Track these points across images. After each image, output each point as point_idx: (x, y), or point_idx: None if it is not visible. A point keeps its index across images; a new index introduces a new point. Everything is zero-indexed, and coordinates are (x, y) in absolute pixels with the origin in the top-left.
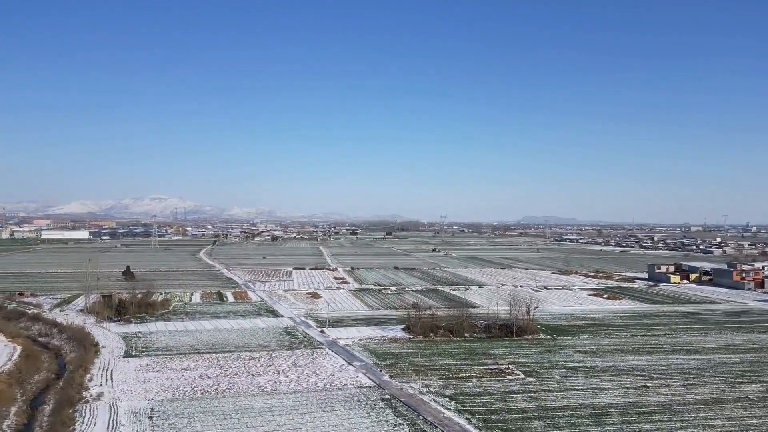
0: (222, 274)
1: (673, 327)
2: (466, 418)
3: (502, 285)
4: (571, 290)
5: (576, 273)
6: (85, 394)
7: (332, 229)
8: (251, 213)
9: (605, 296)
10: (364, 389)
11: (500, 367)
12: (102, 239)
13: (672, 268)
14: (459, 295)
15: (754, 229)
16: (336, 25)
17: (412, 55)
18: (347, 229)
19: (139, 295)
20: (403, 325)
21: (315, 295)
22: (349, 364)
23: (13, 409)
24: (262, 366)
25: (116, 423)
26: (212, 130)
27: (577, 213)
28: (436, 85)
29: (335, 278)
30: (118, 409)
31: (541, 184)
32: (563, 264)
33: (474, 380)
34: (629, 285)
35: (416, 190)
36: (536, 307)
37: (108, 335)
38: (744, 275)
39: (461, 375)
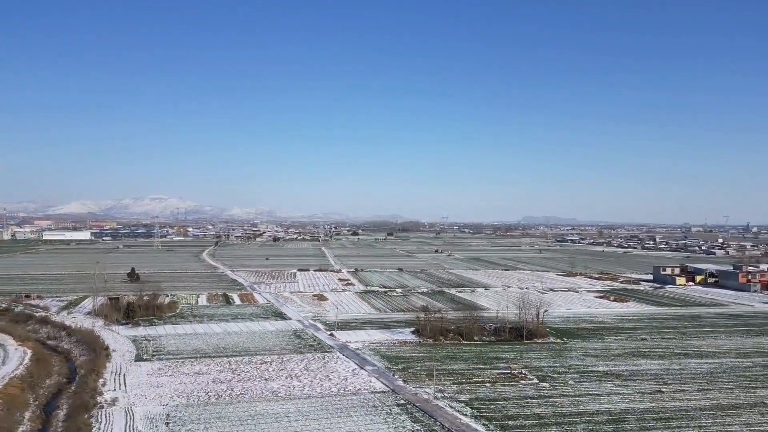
0: (226, 276)
1: (683, 330)
2: (484, 425)
3: (508, 287)
4: (577, 292)
5: (580, 275)
6: (99, 399)
7: (333, 229)
8: (251, 213)
9: (612, 298)
10: (379, 394)
11: (513, 371)
12: (104, 240)
13: (677, 270)
14: (465, 297)
15: (754, 229)
16: (336, 25)
17: (412, 55)
18: (348, 230)
19: (145, 298)
20: (413, 328)
21: (321, 298)
22: (362, 368)
23: (27, 414)
24: (274, 370)
25: (133, 429)
26: (212, 130)
27: (577, 213)
28: (436, 85)
29: (340, 280)
30: (133, 414)
31: (541, 184)
32: (567, 265)
33: (488, 385)
34: (635, 287)
35: (416, 190)
36: (546, 311)
37: (117, 339)
38: (750, 277)
39: (474, 380)
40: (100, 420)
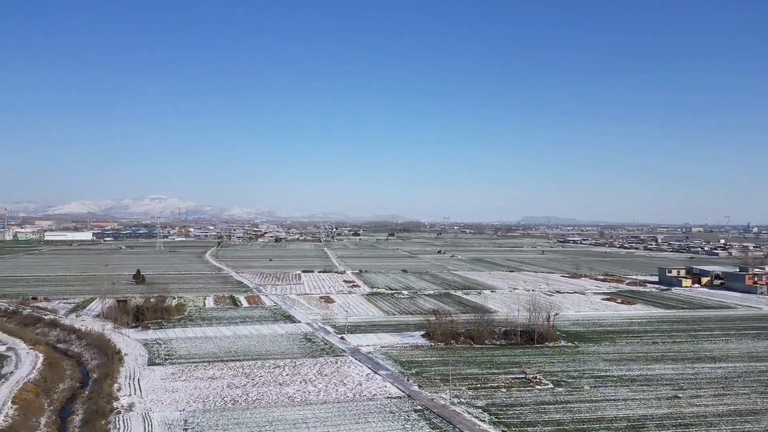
0: (231, 278)
1: (693, 333)
2: (502, 431)
3: (514, 289)
4: (584, 294)
5: (585, 276)
6: (115, 404)
7: (334, 230)
8: (251, 213)
9: (619, 300)
10: (395, 399)
11: (528, 376)
12: (105, 240)
13: (683, 272)
14: (472, 300)
15: (755, 230)
16: (336, 25)
17: (412, 55)
18: (349, 230)
19: (152, 300)
20: (423, 332)
21: (328, 300)
22: (375, 372)
23: (43, 420)
24: (288, 375)
25: None
26: (212, 130)
27: (577, 213)
28: (436, 85)
29: (345, 281)
30: (151, 420)
31: (541, 184)
32: (571, 267)
33: (503, 390)
34: (641, 289)
35: (416, 190)
36: (557, 314)
37: (128, 342)
38: (756, 279)
39: (489, 385)
40: (118, 426)
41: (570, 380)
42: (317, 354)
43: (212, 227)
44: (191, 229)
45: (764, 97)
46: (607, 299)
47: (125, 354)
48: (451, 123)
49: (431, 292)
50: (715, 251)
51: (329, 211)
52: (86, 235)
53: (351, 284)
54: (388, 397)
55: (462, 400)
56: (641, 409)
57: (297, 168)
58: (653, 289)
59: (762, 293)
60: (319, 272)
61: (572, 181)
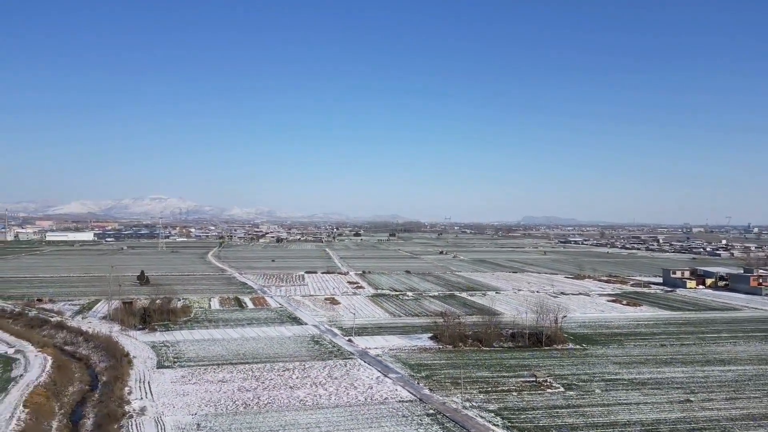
0: (235, 279)
1: (701, 336)
2: None
3: (519, 290)
4: (589, 296)
5: (589, 277)
6: (127, 408)
7: (335, 230)
8: (251, 213)
9: (624, 302)
10: (406, 403)
11: (538, 379)
12: (107, 241)
13: (687, 273)
14: (477, 301)
15: (755, 230)
16: (336, 25)
17: (412, 55)
18: (350, 230)
19: (158, 302)
20: (430, 334)
21: (333, 301)
22: (385, 376)
23: (55, 424)
24: (298, 378)
25: None
26: (212, 130)
27: (577, 213)
28: (436, 85)
29: (349, 283)
30: (164, 424)
31: (541, 184)
32: (574, 268)
33: (514, 394)
34: (645, 290)
35: (416, 190)
36: (565, 316)
37: (136, 344)
38: (761, 281)
39: (500, 388)
40: (131, 430)
41: (581, 384)
42: (326, 357)
43: (213, 227)
44: (192, 230)
45: (764, 97)
46: (613, 301)
47: (134, 357)
48: (451, 123)
49: (436, 293)
50: (717, 252)
51: (329, 211)
52: (87, 236)
53: (355, 285)
54: (399, 401)
55: (474, 404)
56: (654, 414)
57: (297, 168)
58: (658, 291)
59: (767, 295)
60: (323, 273)
61: (572, 181)
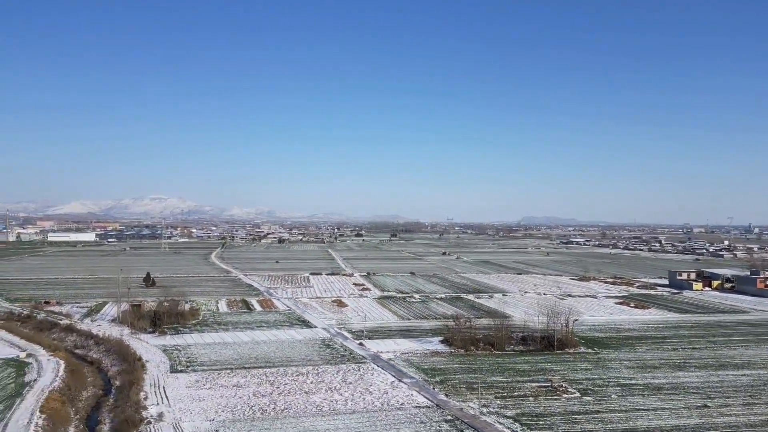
0: (240, 280)
1: (712, 339)
2: None
3: (525, 292)
4: (596, 298)
5: (594, 279)
6: (144, 414)
7: (337, 230)
8: (251, 213)
9: (632, 305)
10: (423, 409)
11: (553, 384)
12: (109, 241)
13: (693, 275)
14: (485, 304)
15: (756, 230)
16: (336, 25)
17: (412, 55)
18: (351, 231)
19: (165, 304)
20: (441, 337)
21: (340, 304)
22: (400, 380)
23: (71, 430)
24: (312, 382)
25: None
26: (212, 130)
27: (577, 213)
28: (436, 85)
29: (355, 285)
30: (183, 430)
31: (541, 184)
32: (578, 269)
33: (531, 399)
34: (652, 292)
35: (416, 190)
36: (576, 320)
37: (148, 348)
38: None
39: (516, 393)
40: None
41: (596, 389)
42: (338, 361)
43: (214, 228)
44: (194, 230)
45: (764, 97)
46: (620, 303)
47: (147, 361)
48: (451, 123)
49: (442, 295)
50: (720, 253)
51: (329, 212)
52: (89, 236)
53: (361, 287)
54: (416, 407)
55: (491, 409)
56: (672, 420)
57: (297, 168)
58: (664, 293)
59: None
60: (327, 275)
61: (572, 181)
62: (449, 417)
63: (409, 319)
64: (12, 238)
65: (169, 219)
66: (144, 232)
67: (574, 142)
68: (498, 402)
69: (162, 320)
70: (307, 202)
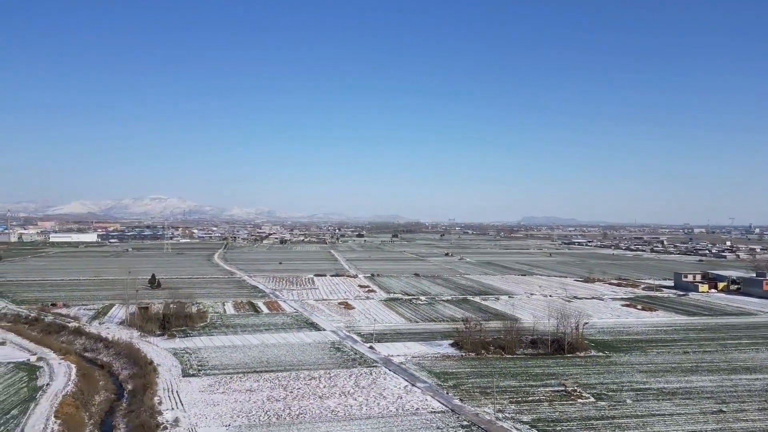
0: (245, 282)
1: (722, 342)
2: None
3: (531, 294)
4: (602, 300)
5: (599, 280)
6: (160, 419)
7: (338, 231)
8: (251, 213)
9: (639, 307)
10: (439, 414)
11: (567, 389)
12: (110, 242)
13: (699, 277)
14: (492, 306)
15: (757, 231)
16: (336, 25)
17: (412, 55)
18: (352, 231)
19: (173, 306)
20: (451, 341)
21: (347, 306)
22: (413, 385)
23: None
24: (325, 387)
25: None
26: (212, 130)
27: (577, 213)
28: (436, 85)
29: (360, 286)
30: None
31: (541, 184)
32: (582, 270)
33: (545, 404)
34: (658, 294)
35: (416, 191)
36: (586, 323)
37: (158, 351)
38: None
39: (530, 398)
40: None
41: (610, 393)
42: (350, 364)
43: (215, 228)
44: (195, 231)
45: (764, 97)
46: (627, 305)
47: (158, 364)
48: (451, 123)
49: (448, 297)
50: (723, 253)
51: (329, 212)
52: (91, 237)
53: (366, 289)
54: (431, 412)
55: (507, 414)
56: (689, 425)
57: (297, 168)
58: (670, 295)
59: None
60: (332, 276)
61: (572, 181)
62: (465, 422)
63: (417, 322)
64: (14, 238)
65: (169, 219)
66: (146, 233)
67: (574, 142)
68: (513, 407)
69: (170, 323)
70: (308, 202)
